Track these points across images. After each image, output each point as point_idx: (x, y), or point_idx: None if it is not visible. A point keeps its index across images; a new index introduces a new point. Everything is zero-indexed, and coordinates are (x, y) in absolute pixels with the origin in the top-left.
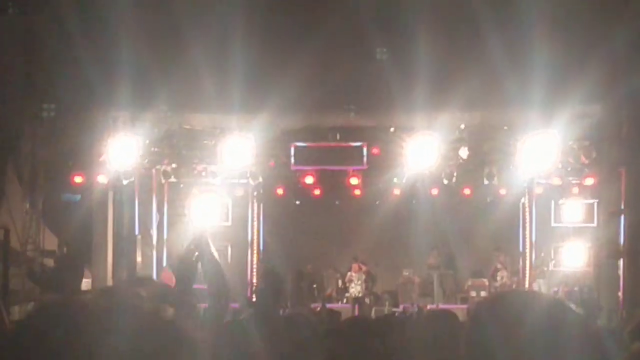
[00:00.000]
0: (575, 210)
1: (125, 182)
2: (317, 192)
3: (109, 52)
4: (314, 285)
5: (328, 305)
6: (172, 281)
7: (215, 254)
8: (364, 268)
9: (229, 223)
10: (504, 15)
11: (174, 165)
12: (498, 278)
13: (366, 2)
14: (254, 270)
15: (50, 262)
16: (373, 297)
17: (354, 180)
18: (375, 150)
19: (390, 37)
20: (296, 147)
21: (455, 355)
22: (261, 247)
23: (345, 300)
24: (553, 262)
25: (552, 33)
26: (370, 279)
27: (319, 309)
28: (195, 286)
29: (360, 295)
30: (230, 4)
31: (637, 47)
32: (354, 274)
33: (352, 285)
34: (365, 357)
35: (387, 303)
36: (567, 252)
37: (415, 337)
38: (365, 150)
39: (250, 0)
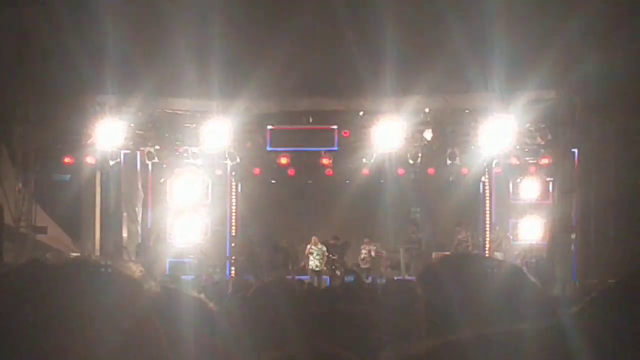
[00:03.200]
0: (532, 188)
1: (111, 163)
2: (291, 172)
3: (96, 40)
4: (289, 259)
5: (300, 278)
6: (152, 253)
7: None
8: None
9: (209, 201)
10: (465, 5)
11: (157, 147)
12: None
13: None
14: (232, 244)
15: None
16: (343, 269)
17: (325, 161)
18: (345, 133)
19: (359, 25)
20: (271, 130)
21: (417, 320)
22: (239, 223)
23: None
24: (510, 235)
25: (510, 23)
26: (339, 252)
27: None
28: None
29: (317, 268)
30: None
31: (589, 36)
32: (313, 247)
33: (311, 258)
34: (334, 320)
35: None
36: (524, 226)
37: (381, 303)
38: (336, 133)
39: None
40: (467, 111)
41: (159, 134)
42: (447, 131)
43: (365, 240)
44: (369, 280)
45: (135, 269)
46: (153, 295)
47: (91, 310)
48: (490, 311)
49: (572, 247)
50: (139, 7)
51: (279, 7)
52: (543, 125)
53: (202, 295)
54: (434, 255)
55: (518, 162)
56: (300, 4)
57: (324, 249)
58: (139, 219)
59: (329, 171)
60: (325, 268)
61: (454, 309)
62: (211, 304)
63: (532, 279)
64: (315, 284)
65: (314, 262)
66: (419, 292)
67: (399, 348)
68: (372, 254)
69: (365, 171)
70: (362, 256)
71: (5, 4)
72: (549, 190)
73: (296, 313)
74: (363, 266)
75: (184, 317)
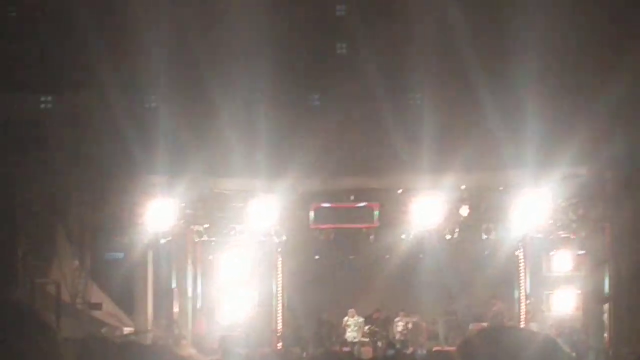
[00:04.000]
0: (565, 261)
1: (162, 241)
2: (333, 247)
3: (147, 123)
4: (333, 331)
5: (345, 349)
6: (203, 328)
7: None
8: (376, 315)
9: (256, 276)
10: (499, 87)
11: (206, 225)
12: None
13: (376, 77)
14: (278, 317)
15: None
16: (384, 340)
17: (366, 237)
18: (385, 210)
19: (397, 106)
20: (315, 208)
21: None
22: (285, 298)
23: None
24: (544, 307)
25: (543, 103)
26: (380, 324)
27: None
28: None
29: (355, 340)
30: (255, 79)
31: (618, 116)
32: (350, 320)
33: (349, 330)
34: None
35: (397, 346)
36: (558, 298)
37: None
38: (376, 209)
39: (273, 75)
40: (501, 188)
41: (208, 212)
42: (483, 207)
43: (401, 313)
44: (410, 351)
45: (186, 344)
46: None
47: None
48: None
49: (605, 318)
50: (187, 92)
51: (321, 92)
52: (575, 200)
53: None
54: (471, 326)
55: (551, 236)
56: (342, 89)
57: (361, 320)
58: (189, 294)
59: (369, 247)
60: (363, 339)
61: None
62: None
63: (567, 349)
64: (355, 355)
65: (351, 334)
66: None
67: None
68: (409, 325)
69: (404, 246)
70: (399, 329)
71: (61, 89)
72: (581, 263)
73: None
74: (399, 338)
75: None
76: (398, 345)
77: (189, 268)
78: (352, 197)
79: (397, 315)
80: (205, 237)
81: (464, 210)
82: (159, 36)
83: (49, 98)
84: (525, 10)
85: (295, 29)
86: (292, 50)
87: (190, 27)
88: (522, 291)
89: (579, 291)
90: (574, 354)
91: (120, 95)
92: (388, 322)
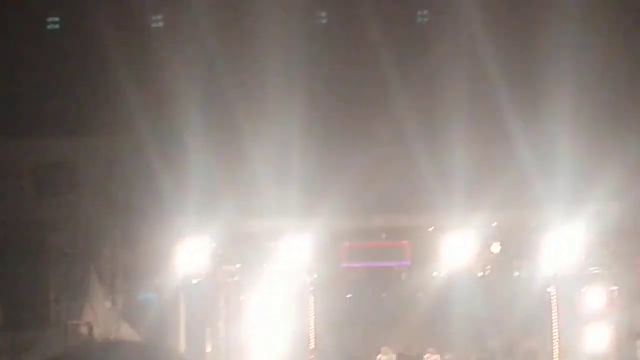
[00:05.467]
0: (597, 297)
1: (194, 282)
2: (365, 286)
3: (178, 164)
4: None
5: None
6: None
7: None
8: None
9: (289, 316)
10: (530, 123)
11: (238, 266)
12: None
13: (406, 118)
14: (312, 357)
15: None
16: None
17: (398, 275)
18: (416, 248)
19: (428, 145)
20: (347, 247)
21: None
22: (317, 337)
23: None
24: (578, 344)
25: (574, 138)
26: None
27: None
28: None
29: None
30: (286, 120)
31: None
32: (383, 357)
33: None
34: None
35: None
36: (591, 335)
37: None
38: (408, 248)
39: (303, 114)
40: (533, 225)
41: (240, 253)
42: (514, 244)
43: (430, 350)
44: None
45: None
46: None
47: None
48: None
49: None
50: (219, 132)
51: (352, 133)
52: (608, 236)
53: None
54: None
55: (584, 273)
56: (375, 129)
57: (394, 358)
58: (222, 335)
59: (402, 285)
60: None
61: None
62: None
63: None
64: None
65: None
66: None
67: None
68: None
69: (436, 284)
70: None
71: (93, 132)
72: (614, 299)
73: None
74: None
75: None
76: None
77: (221, 308)
78: (384, 236)
79: (426, 353)
80: (237, 278)
81: (496, 248)
82: (190, 76)
83: (81, 141)
84: (560, 42)
85: (327, 71)
86: (325, 91)
87: (222, 65)
88: (555, 329)
89: (613, 328)
90: None
91: (152, 137)
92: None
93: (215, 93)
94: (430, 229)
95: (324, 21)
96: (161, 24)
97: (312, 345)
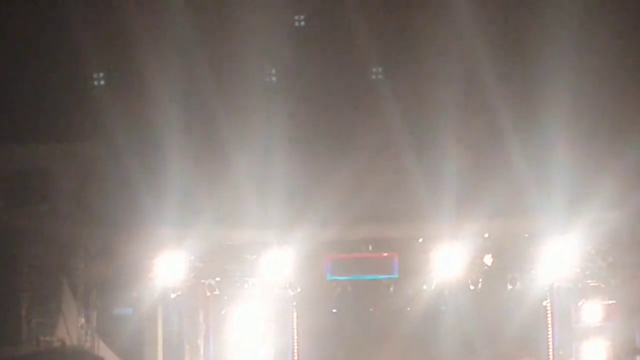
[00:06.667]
0: (595, 311)
1: (172, 295)
2: (351, 300)
3: (156, 173)
4: None
5: None
6: None
7: None
8: None
9: (271, 331)
10: (525, 131)
11: (218, 279)
12: None
13: (395, 123)
14: None
15: None
16: None
17: (386, 288)
18: (405, 260)
19: (418, 154)
20: (331, 259)
21: None
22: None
23: None
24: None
25: (570, 146)
26: None
27: None
28: None
29: None
30: (269, 126)
31: None
32: None
33: None
34: None
35: None
36: (588, 349)
37: None
38: (395, 260)
39: (285, 122)
40: (526, 235)
41: (219, 265)
42: (507, 255)
43: None
44: None
45: None
46: None
47: None
48: None
49: None
50: (198, 139)
51: (336, 140)
52: (605, 247)
53: None
54: None
55: (580, 285)
56: (360, 136)
57: None
58: (201, 351)
59: (389, 299)
60: None
61: None
62: None
63: None
64: None
65: None
66: None
67: None
68: None
69: (425, 297)
70: None
71: (67, 139)
72: (612, 312)
73: None
74: None
75: None
76: None
77: (201, 323)
78: (370, 247)
79: None
80: (217, 291)
81: (488, 259)
82: (169, 83)
83: (55, 147)
84: (556, 47)
85: (311, 79)
86: (309, 98)
87: (202, 71)
88: (550, 343)
89: (610, 343)
90: None
91: (129, 144)
92: None
93: (196, 100)
94: (420, 240)
95: (303, 23)
96: (140, 28)
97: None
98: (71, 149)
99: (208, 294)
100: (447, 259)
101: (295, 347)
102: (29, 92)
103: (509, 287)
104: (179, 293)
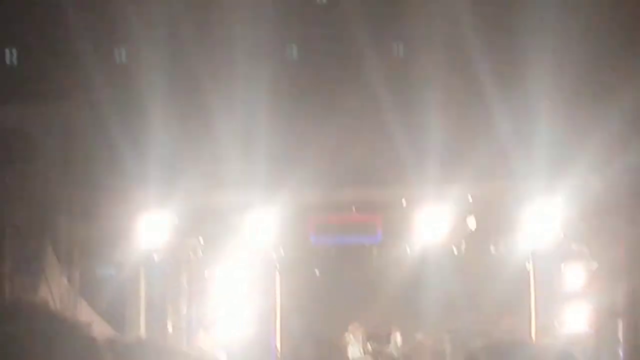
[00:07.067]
0: (577, 275)
1: (155, 257)
2: (334, 262)
3: (139, 134)
4: (334, 350)
5: None
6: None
7: None
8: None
9: (254, 293)
10: (508, 93)
11: (200, 240)
12: None
13: (378, 84)
14: (277, 336)
15: None
16: (387, 358)
17: (369, 251)
18: (388, 223)
19: (401, 114)
20: (315, 222)
21: None
22: (283, 316)
23: None
24: (557, 323)
25: (554, 109)
26: (382, 341)
27: None
28: None
29: (358, 357)
30: (253, 86)
31: (635, 122)
32: (351, 336)
33: (350, 347)
34: None
35: None
36: (570, 313)
37: None
38: (379, 222)
39: (272, 83)
40: (510, 198)
41: (203, 227)
42: (491, 219)
43: (393, 328)
44: None
45: None
46: None
47: None
48: None
49: (619, 333)
50: (182, 100)
51: (320, 100)
52: (589, 211)
53: None
54: (479, 342)
55: (563, 249)
56: (344, 96)
57: (362, 335)
58: (184, 313)
59: (372, 261)
60: (364, 358)
61: None
62: None
63: None
64: None
65: (353, 352)
66: None
67: None
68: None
69: (409, 260)
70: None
71: (48, 98)
72: (595, 277)
73: None
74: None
75: None
76: None
77: (183, 285)
78: (353, 209)
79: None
80: (200, 253)
81: (472, 222)
82: (152, 42)
83: (35, 107)
84: (540, 9)
85: (298, 37)
86: (293, 58)
87: (186, 31)
88: (533, 306)
89: (592, 306)
90: None
91: (110, 104)
92: (389, 339)
93: (178, 58)
94: (403, 203)
95: None
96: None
97: (278, 324)
98: (53, 109)
99: (191, 255)
100: (431, 222)
101: (278, 310)
102: (8, 50)
103: (492, 250)
104: (162, 254)
